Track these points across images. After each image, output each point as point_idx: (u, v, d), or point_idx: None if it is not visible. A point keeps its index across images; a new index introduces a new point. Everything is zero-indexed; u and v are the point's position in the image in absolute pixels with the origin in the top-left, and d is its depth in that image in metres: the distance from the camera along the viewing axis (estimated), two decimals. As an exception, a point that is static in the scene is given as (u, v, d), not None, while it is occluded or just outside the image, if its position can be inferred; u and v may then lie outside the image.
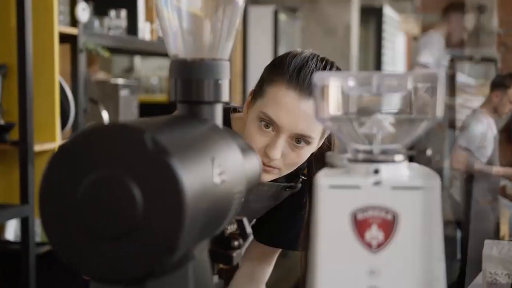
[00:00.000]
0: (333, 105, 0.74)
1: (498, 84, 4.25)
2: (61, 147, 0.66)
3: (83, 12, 2.66)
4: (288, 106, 1.22)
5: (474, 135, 4.14)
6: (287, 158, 1.26)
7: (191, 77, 0.83)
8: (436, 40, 4.38)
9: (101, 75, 4.36)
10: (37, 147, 2.45)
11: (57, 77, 2.54)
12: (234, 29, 0.87)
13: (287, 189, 1.42)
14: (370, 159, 0.72)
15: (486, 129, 4.18)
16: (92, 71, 4.15)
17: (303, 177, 1.42)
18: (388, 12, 7.60)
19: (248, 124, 1.27)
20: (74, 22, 2.68)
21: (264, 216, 1.48)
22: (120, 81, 3.19)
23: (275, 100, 1.22)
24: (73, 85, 2.71)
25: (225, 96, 0.85)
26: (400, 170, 0.72)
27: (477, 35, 9.46)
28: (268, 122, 1.24)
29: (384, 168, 0.71)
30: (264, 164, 1.24)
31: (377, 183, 0.70)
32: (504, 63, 9.77)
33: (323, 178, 0.71)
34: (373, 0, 6.84)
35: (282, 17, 4.86)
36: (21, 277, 2.36)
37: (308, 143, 1.25)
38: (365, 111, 0.76)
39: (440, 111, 0.72)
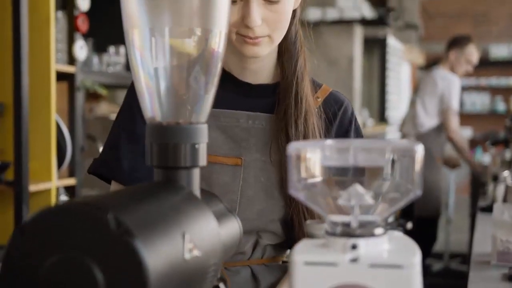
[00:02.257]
0: (308, 175, 0.72)
1: (454, 44, 4.50)
2: (22, 227, 0.63)
3: (81, 50, 2.66)
4: None
5: (457, 95, 4.40)
6: (269, 21, 1.17)
7: (167, 141, 0.81)
8: (456, 81, 4.46)
9: (104, 107, 4.35)
10: (33, 187, 2.43)
11: (54, 116, 2.53)
12: (212, 91, 0.84)
13: None
14: (348, 233, 0.69)
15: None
16: (96, 103, 4.14)
17: None
18: (392, 42, 7.61)
19: None
20: (72, 60, 2.68)
21: None
22: (120, 117, 3.17)
23: None
24: (70, 123, 2.69)
25: (202, 161, 0.82)
26: (379, 245, 0.69)
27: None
28: None
29: (362, 243, 0.68)
30: (250, 37, 1.16)
31: (354, 260, 0.67)
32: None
33: (299, 254, 0.68)
34: (377, 31, 6.84)
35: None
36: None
37: None
38: (343, 182, 0.73)
39: (419, 186, 0.69)
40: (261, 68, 1.27)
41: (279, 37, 1.20)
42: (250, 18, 1.14)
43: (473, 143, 10.15)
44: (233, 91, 1.27)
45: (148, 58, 0.81)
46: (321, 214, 0.72)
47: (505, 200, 2.73)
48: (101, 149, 3.01)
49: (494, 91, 10.14)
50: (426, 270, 5.04)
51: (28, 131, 2.42)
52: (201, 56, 0.82)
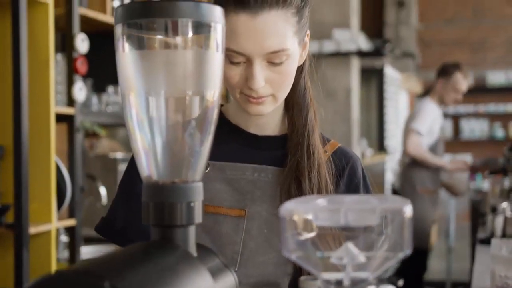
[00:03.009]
0: (301, 235, 0.73)
1: (441, 73, 4.47)
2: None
3: (80, 91, 2.69)
4: (243, 29, 1.11)
5: (426, 119, 4.32)
6: (273, 82, 1.16)
7: (163, 200, 0.82)
8: (430, 107, 4.44)
9: (105, 143, 4.37)
10: (33, 229, 2.44)
11: (53, 158, 2.55)
12: (207, 149, 0.86)
13: None
14: (340, 292, 0.71)
15: (436, 115, 4.39)
16: (96, 140, 4.17)
17: None
18: (389, 71, 7.66)
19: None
20: (71, 101, 2.71)
21: None
22: (119, 155, 3.20)
23: (229, 30, 1.11)
24: (70, 164, 2.71)
25: (198, 218, 0.84)
26: (371, 303, 0.70)
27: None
28: (234, 55, 1.14)
29: (355, 302, 0.70)
30: (253, 97, 1.16)
31: (347, 319, 0.69)
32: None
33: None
34: (374, 61, 6.90)
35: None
36: None
37: (286, 56, 1.15)
38: (335, 240, 0.74)
39: (409, 244, 0.71)
40: (267, 121, 1.27)
41: (283, 96, 1.20)
42: (253, 80, 1.13)
43: (473, 170, 10.17)
44: (239, 143, 1.27)
45: (144, 119, 0.83)
46: (314, 272, 0.74)
47: (504, 232, 2.74)
48: (101, 188, 3.03)
49: (493, 117, 10.18)
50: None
51: (28, 173, 2.44)
52: (196, 116, 0.85)
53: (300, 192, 1.18)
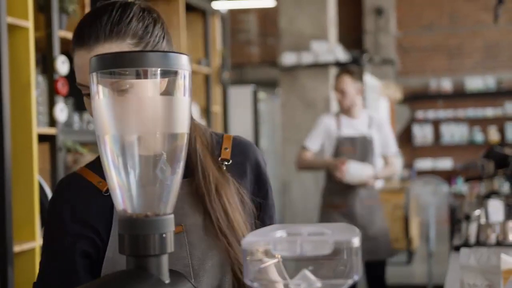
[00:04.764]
0: (261, 264, 0.81)
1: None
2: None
3: (61, 112, 2.75)
4: (82, 63, 1.20)
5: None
6: None
7: (138, 232, 0.90)
8: (324, 124, 4.19)
9: (89, 158, 4.41)
10: (17, 248, 2.50)
11: (36, 177, 2.61)
12: (177, 183, 0.94)
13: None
14: (297, 315, 0.79)
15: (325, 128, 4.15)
16: (80, 155, 4.21)
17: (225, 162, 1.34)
18: (369, 79, 7.77)
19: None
20: (53, 121, 2.77)
21: None
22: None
23: (75, 66, 1.21)
24: (52, 183, 2.77)
25: (170, 248, 0.91)
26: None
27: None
28: (83, 88, 1.21)
29: (311, 325, 0.77)
30: None
31: None
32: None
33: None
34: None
35: (262, 95, 4.98)
36: None
37: (129, 85, 1.11)
38: (293, 267, 0.82)
39: (358, 271, 0.79)
40: None
41: None
42: None
43: (453, 174, 10.34)
44: None
45: (118, 158, 0.91)
46: (274, 298, 0.81)
47: (478, 239, 2.82)
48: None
49: (472, 122, 10.34)
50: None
51: (12, 192, 2.50)
52: (166, 154, 0.92)
53: (209, 208, 1.25)
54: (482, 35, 10.24)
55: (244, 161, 1.35)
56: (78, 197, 1.28)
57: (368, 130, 4.11)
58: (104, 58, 0.89)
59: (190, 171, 1.28)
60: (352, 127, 4.12)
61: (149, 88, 0.90)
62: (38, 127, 2.66)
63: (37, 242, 2.61)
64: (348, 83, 4.01)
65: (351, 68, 4.23)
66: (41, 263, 1.28)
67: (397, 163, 4.28)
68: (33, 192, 2.59)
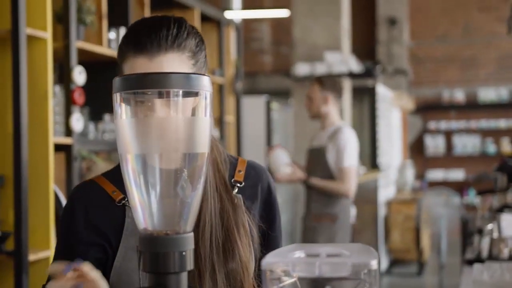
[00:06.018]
0: (280, 284, 0.82)
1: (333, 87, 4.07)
2: None
3: (77, 122, 2.78)
4: (141, 71, 1.18)
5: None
6: None
7: (158, 250, 0.92)
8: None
9: (102, 166, 4.44)
10: (32, 256, 2.52)
11: (52, 186, 2.63)
12: (198, 201, 0.96)
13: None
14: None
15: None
16: (93, 163, 4.24)
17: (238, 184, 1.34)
18: (381, 90, 7.78)
19: None
20: (69, 131, 2.80)
21: None
22: (115, 180, 3.28)
23: (131, 73, 1.19)
24: (67, 192, 2.80)
25: (190, 265, 0.93)
26: None
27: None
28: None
29: None
30: None
31: None
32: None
33: None
34: (366, 81, 7.01)
35: (275, 105, 5.00)
36: None
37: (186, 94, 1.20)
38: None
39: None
40: None
41: None
42: None
43: (465, 185, 10.30)
44: None
45: (140, 177, 0.93)
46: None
47: (490, 253, 2.82)
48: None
49: (485, 133, 10.30)
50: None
51: (28, 201, 2.52)
52: (186, 172, 0.94)
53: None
54: (495, 46, 10.21)
55: (256, 185, 1.36)
56: (92, 204, 1.29)
57: (325, 142, 3.99)
58: (128, 79, 0.91)
59: None
60: (318, 139, 4.09)
61: (170, 108, 0.92)
62: (54, 137, 2.69)
63: (52, 250, 2.64)
64: (316, 91, 4.00)
65: (324, 78, 4.21)
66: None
67: (349, 178, 3.86)
68: (48, 201, 2.62)
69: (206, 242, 1.25)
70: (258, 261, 1.28)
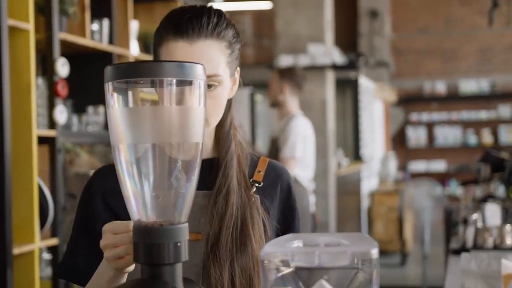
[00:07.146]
0: (279, 274, 0.81)
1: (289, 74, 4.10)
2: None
3: (61, 114, 2.75)
4: (182, 55, 1.20)
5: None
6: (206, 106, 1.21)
7: (152, 241, 0.90)
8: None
9: (85, 158, 4.40)
10: (16, 250, 2.49)
11: (36, 179, 2.60)
12: (192, 192, 0.94)
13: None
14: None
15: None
16: (76, 155, 4.20)
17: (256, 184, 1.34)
18: (364, 82, 7.79)
19: None
20: (52, 124, 2.76)
21: None
22: (99, 173, 3.25)
23: (169, 56, 1.21)
24: (51, 184, 2.76)
25: (184, 256, 0.92)
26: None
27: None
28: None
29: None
30: None
31: None
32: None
33: None
34: (348, 73, 7.02)
35: (258, 98, 4.98)
36: None
37: (218, 82, 1.22)
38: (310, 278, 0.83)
39: (377, 284, 0.79)
40: None
41: (214, 122, 1.25)
42: None
43: (447, 176, 10.37)
44: None
45: (133, 167, 0.91)
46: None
47: (475, 243, 2.84)
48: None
49: (466, 125, 10.37)
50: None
51: (11, 194, 2.49)
52: (180, 163, 0.92)
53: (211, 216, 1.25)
54: (476, 38, 10.28)
55: (275, 186, 1.35)
56: (110, 187, 1.27)
57: (278, 132, 4.05)
58: (120, 68, 0.89)
59: (212, 183, 1.28)
60: (276, 129, 4.17)
61: (163, 97, 0.90)
62: (38, 129, 2.65)
63: (37, 244, 2.61)
64: (274, 79, 4.08)
65: (284, 69, 4.29)
66: (68, 245, 1.30)
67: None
68: (32, 194, 2.59)
69: (228, 230, 1.24)
70: None
